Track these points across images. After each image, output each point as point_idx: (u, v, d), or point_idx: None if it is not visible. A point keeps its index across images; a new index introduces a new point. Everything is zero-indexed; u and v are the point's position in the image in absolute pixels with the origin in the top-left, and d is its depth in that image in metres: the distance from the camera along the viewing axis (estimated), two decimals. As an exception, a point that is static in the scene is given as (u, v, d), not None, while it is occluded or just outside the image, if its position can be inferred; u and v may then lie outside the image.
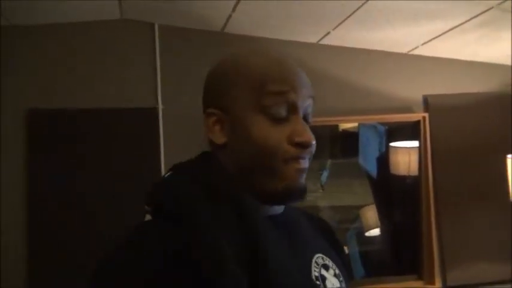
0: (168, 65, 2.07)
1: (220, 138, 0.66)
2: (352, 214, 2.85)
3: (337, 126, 2.35)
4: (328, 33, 2.07)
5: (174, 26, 2.09)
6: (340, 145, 2.57)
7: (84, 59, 2.02)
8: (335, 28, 2.00)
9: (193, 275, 0.54)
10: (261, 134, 0.63)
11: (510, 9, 1.72)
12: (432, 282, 2.16)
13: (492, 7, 1.71)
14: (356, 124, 2.39)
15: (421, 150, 2.24)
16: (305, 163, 0.65)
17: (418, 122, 2.23)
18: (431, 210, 2.19)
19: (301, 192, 0.65)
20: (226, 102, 0.65)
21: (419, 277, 2.21)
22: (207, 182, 0.63)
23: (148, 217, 0.64)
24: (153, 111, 2.04)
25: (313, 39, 2.16)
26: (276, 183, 0.63)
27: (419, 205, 2.25)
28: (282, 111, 0.64)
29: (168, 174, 0.67)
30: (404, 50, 2.24)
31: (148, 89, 2.05)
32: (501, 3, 1.68)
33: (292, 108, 0.64)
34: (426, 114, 2.21)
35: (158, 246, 0.56)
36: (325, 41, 2.16)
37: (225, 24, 2.05)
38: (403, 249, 2.44)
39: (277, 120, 0.63)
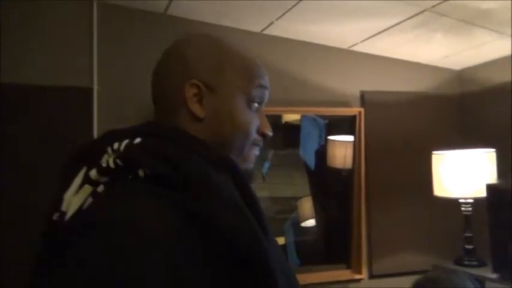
0: (105, 44, 1.99)
1: (201, 112, 0.69)
2: (290, 205, 2.90)
3: (279, 117, 2.38)
4: (272, 23, 2.08)
5: (114, 4, 2.01)
6: (283, 136, 2.60)
7: (17, 34, 1.90)
8: (278, 18, 2.01)
9: (221, 246, 0.54)
10: (245, 118, 0.71)
11: (443, 12, 1.80)
12: (359, 272, 2.24)
13: (426, 9, 1.78)
14: (299, 117, 2.42)
15: (356, 144, 2.31)
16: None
17: (355, 116, 2.29)
18: (362, 202, 2.26)
19: (252, 175, 0.74)
20: (215, 80, 0.70)
21: (348, 267, 2.28)
22: (197, 149, 0.63)
23: (101, 188, 0.61)
24: (88, 91, 1.96)
25: (256, 28, 2.16)
26: (242, 163, 0.71)
27: (351, 197, 2.32)
28: (258, 104, 0.73)
29: (139, 140, 0.63)
30: (344, 46, 2.29)
31: (83, 68, 1.96)
32: (435, 6, 1.75)
33: (263, 103, 0.74)
34: (362, 109, 2.28)
35: (174, 220, 0.54)
36: (269, 31, 2.17)
37: (168, 6, 2.00)
38: (334, 240, 2.52)
39: (253, 110, 0.72)
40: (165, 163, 0.59)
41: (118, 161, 0.61)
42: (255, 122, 0.72)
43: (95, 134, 1.92)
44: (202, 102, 0.69)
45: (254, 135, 0.72)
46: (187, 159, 0.60)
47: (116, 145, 0.63)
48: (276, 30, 2.16)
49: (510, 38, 1.98)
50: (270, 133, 0.74)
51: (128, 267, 0.50)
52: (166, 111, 0.71)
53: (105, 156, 0.63)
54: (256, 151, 0.74)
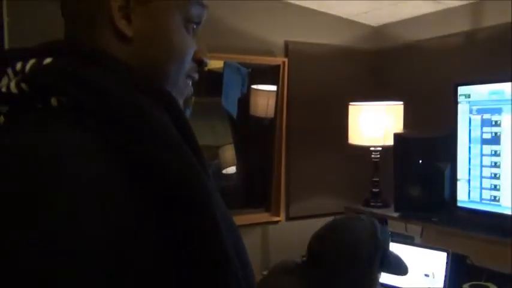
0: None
1: (128, 30, 0.56)
2: (212, 152, 2.94)
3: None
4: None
5: None
6: (204, 84, 2.58)
7: None
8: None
9: (159, 188, 0.47)
10: (182, 40, 0.60)
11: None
12: (277, 215, 2.38)
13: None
14: (221, 65, 2.41)
15: (279, 93, 2.38)
16: None
17: (278, 66, 2.34)
18: (283, 150, 2.36)
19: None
20: None
21: (267, 210, 2.41)
22: (125, 75, 0.53)
23: (1, 119, 0.50)
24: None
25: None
26: (177, 94, 0.60)
27: (272, 145, 2.41)
28: (196, 25, 0.62)
29: (50, 60, 0.53)
30: (271, -5, 2.30)
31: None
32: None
33: (200, 25, 0.63)
34: (286, 59, 2.33)
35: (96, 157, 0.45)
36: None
37: None
38: (255, 185, 2.62)
39: (190, 32, 0.61)
40: (86, 90, 0.49)
41: (23, 85, 0.49)
42: (192, 46, 0.61)
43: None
44: (131, 18, 0.56)
45: (190, 63, 0.62)
46: (115, 86, 0.50)
47: (18, 65, 0.52)
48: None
49: (424, -2, 2.11)
50: (207, 60, 0.64)
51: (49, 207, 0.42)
52: (81, 27, 0.57)
53: (5, 80, 0.52)
54: (191, 87, 0.64)
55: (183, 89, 0.62)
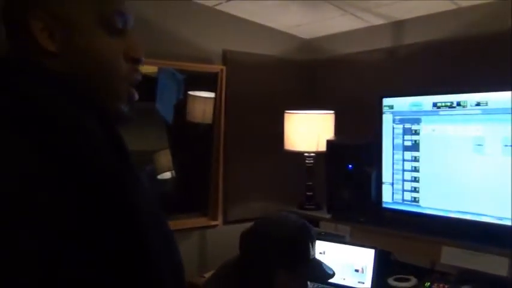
0: None
1: (52, 46, 0.62)
2: (147, 157, 2.91)
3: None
4: (140, -30, 2.01)
5: None
6: (139, 88, 2.56)
7: None
8: (147, -33, 1.96)
9: (89, 189, 0.51)
10: (106, 47, 0.63)
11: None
12: (215, 219, 2.43)
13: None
14: (155, 70, 2.41)
15: (217, 100, 2.43)
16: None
17: (216, 73, 2.40)
18: (220, 156, 2.42)
19: (130, 118, 0.69)
20: (64, 8, 0.62)
21: (205, 214, 2.45)
22: (55, 83, 0.57)
23: None
24: None
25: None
26: (115, 102, 0.65)
27: (210, 151, 2.46)
28: (119, 24, 0.66)
29: None
30: (210, 4, 2.35)
31: None
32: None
33: (127, 27, 0.67)
34: (224, 67, 2.40)
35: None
36: (136, -21, 2.10)
37: None
38: (192, 191, 2.64)
39: (115, 37, 0.65)
40: (18, 97, 0.54)
41: None
42: (118, 49, 0.65)
43: None
44: (53, 35, 0.61)
45: (122, 65, 0.65)
46: (46, 94, 0.55)
47: None
48: (143, -21, 2.10)
49: (351, 15, 2.29)
50: (141, 56, 0.68)
51: None
52: (15, 43, 0.63)
53: None
54: (133, 90, 0.68)
55: (121, 94, 0.66)
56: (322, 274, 1.38)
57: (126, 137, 0.62)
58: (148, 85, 2.43)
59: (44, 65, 0.60)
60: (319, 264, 1.39)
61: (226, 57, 2.43)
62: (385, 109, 2.04)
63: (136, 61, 0.67)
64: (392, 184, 2.01)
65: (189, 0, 2.29)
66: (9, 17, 0.63)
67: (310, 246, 1.34)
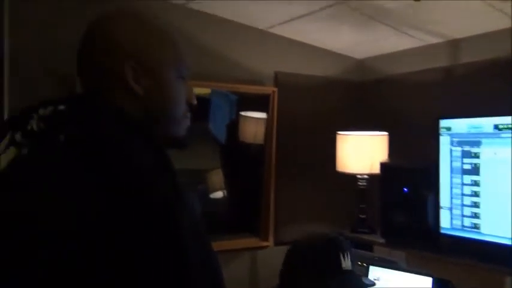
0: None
1: (140, 90, 0.76)
2: (198, 177, 2.97)
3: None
4: (195, -3, 2.09)
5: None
6: (192, 109, 2.63)
7: None
8: (202, -6, 2.04)
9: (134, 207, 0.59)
10: (177, 92, 0.81)
11: (353, 6, 1.98)
12: (266, 240, 2.43)
13: (338, 2, 1.95)
14: (209, 91, 2.47)
15: (269, 121, 2.46)
16: None
17: (268, 95, 2.43)
18: (272, 176, 2.43)
19: (186, 142, 0.85)
20: (150, 59, 0.77)
21: (256, 235, 2.45)
22: (118, 118, 0.70)
23: (25, 150, 0.65)
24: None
25: (179, 0, 2.16)
26: (179, 131, 0.82)
27: (261, 171, 2.48)
28: (185, 73, 0.84)
29: (63, 107, 0.68)
30: (262, 27, 2.39)
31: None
32: (346, 0, 1.93)
33: (188, 73, 0.85)
34: (276, 89, 2.42)
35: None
36: (192, 5, 2.18)
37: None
38: (244, 211, 2.66)
39: (181, 83, 0.82)
40: (82, 128, 0.65)
41: (41, 124, 0.67)
42: (184, 94, 0.82)
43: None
44: (140, 81, 0.76)
45: (184, 105, 0.82)
46: (105, 126, 0.66)
47: (41, 111, 0.68)
48: (198, 5, 2.18)
49: (404, 34, 2.25)
50: (195, 102, 0.85)
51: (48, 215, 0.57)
52: (98, 86, 0.76)
53: (31, 121, 0.68)
54: (188, 121, 0.84)
55: (183, 125, 0.83)
56: (356, 286, 1.34)
57: (181, 156, 0.80)
58: (202, 106, 2.50)
59: (127, 107, 0.75)
60: (354, 277, 1.34)
61: (278, 79, 2.45)
62: (442, 131, 1.97)
63: (191, 105, 0.85)
64: (451, 209, 1.93)
65: (242, 24, 2.34)
66: (99, 62, 0.76)
67: (342, 258, 1.30)
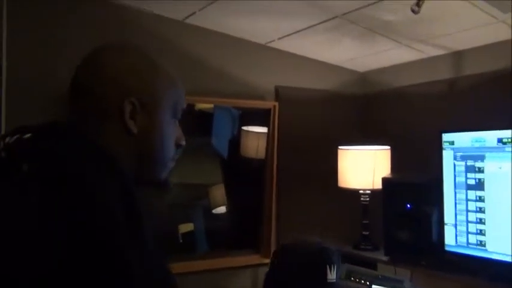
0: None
1: (134, 127, 0.74)
2: (200, 192, 2.95)
3: (192, 106, 2.40)
4: (194, 13, 2.09)
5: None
6: (195, 124, 2.62)
7: None
8: (201, 9, 2.03)
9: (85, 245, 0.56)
10: (170, 134, 0.79)
11: (352, 20, 1.97)
12: (267, 256, 2.38)
13: (337, 16, 1.94)
14: (211, 105, 2.46)
15: (270, 136, 2.43)
16: None
17: (269, 109, 2.40)
18: (273, 191, 2.39)
19: (168, 183, 0.84)
20: (149, 97, 0.75)
21: (257, 251, 2.41)
22: (87, 151, 0.66)
23: None
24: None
25: (179, 16, 2.15)
26: (162, 173, 0.80)
27: (263, 186, 2.44)
28: (180, 116, 0.82)
29: (29, 135, 0.66)
30: (262, 41, 2.38)
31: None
32: (345, 14, 1.91)
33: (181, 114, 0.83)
34: (276, 103, 2.40)
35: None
36: (190, 21, 2.18)
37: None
38: (245, 227, 2.63)
39: (174, 124, 0.80)
40: (46, 159, 0.62)
41: (3, 153, 0.65)
42: (174, 136, 0.80)
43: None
44: (135, 118, 0.74)
45: (173, 146, 0.80)
46: (70, 158, 0.63)
47: (7, 139, 0.67)
48: (198, 21, 2.17)
49: (406, 47, 2.22)
50: (184, 143, 0.83)
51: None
52: (87, 116, 0.73)
53: None
54: (173, 163, 0.82)
55: (168, 168, 0.81)
56: None
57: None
58: (205, 121, 2.49)
59: (118, 143, 0.73)
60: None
61: (279, 93, 2.43)
62: (445, 145, 1.93)
63: (180, 146, 0.82)
64: (456, 225, 1.88)
65: (243, 39, 2.33)
66: (97, 93, 0.73)
67: (328, 270, 1.34)
